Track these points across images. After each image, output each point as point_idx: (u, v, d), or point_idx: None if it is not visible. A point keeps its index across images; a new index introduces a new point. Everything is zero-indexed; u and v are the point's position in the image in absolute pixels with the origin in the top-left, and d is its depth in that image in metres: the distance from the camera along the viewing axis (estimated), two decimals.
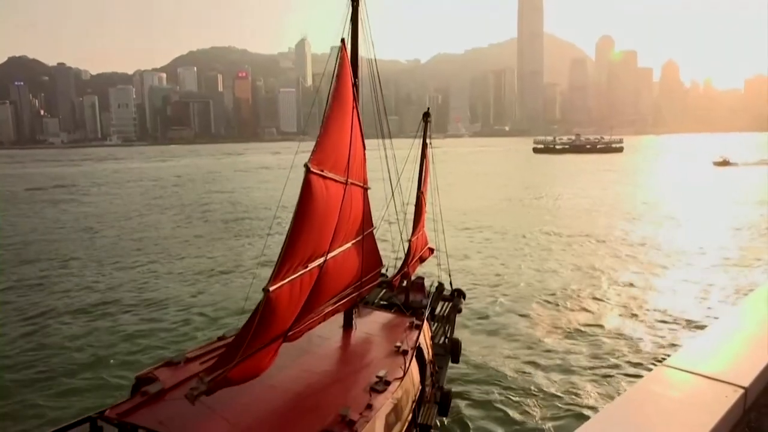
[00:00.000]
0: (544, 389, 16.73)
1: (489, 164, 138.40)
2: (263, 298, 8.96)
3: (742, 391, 3.04)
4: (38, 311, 24.81)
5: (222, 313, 24.07)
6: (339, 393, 9.93)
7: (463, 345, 16.21)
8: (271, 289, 9.05)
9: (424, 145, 16.93)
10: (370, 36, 11.77)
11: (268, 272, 8.73)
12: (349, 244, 11.65)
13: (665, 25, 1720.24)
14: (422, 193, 17.13)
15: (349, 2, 11.33)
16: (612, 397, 16.15)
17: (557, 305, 25.08)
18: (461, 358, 16.18)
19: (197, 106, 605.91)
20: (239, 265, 33.88)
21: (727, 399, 2.94)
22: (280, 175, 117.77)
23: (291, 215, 8.81)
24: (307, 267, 9.88)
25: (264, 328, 8.95)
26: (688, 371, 3.23)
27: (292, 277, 9.49)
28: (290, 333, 9.71)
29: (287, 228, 8.96)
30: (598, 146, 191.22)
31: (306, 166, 9.62)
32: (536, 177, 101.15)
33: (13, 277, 31.35)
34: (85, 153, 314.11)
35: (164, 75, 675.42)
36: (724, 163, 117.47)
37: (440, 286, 18.10)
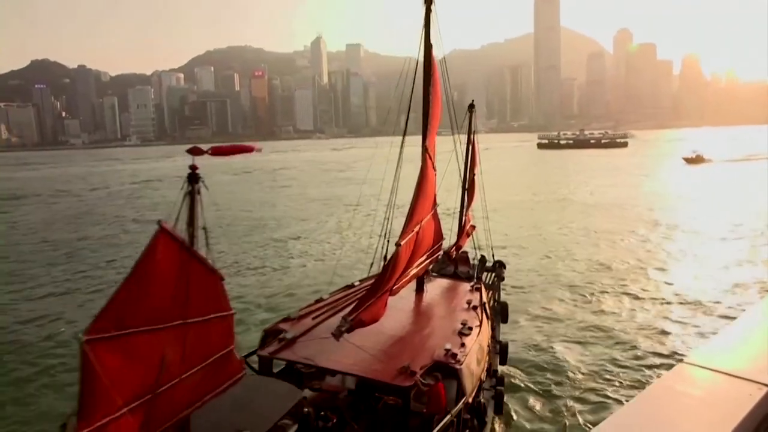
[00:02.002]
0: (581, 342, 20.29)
1: (495, 162, 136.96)
2: (395, 251, 11.41)
3: (766, 389, 2.96)
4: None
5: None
6: (435, 336, 12.18)
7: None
8: (402, 243, 11.51)
9: (470, 134, 19.46)
10: (440, 37, 13.71)
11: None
12: (428, 216, 13.85)
13: (685, 17, 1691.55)
14: (473, 174, 19.77)
15: (423, 4, 13.23)
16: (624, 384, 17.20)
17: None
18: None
19: (214, 106, 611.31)
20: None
21: (750, 397, 2.86)
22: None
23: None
24: (413, 231, 12.41)
25: (389, 278, 11.30)
26: (710, 368, 3.16)
27: (408, 237, 11.92)
28: (394, 287, 11.81)
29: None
30: (602, 141, 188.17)
31: (425, 147, 12.89)
32: (518, 178, 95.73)
33: None
34: (117, 153, 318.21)
35: (182, 75, 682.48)
36: (697, 159, 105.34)
37: (483, 258, 19.89)
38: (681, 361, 3.29)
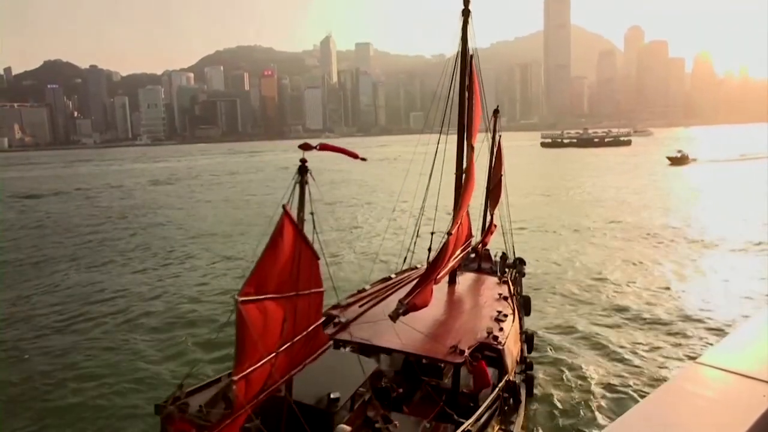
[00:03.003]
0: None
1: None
2: (446, 240, 12.61)
3: None
4: None
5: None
6: (474, 321, 13.31)
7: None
8: (452, 231, 12.77)
9: (494, 136, 20.42)
10: (475, 45, 15.03)
11: None
12: (464, 214, 14.76)
13: (697, 14, 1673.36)
14: (500, 176, 20.80)
15: (461, 17, 14.56)
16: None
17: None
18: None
19: (224, 105, 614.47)
20: None
21: (765, 398, 2.78)
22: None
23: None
24: (458, 223, 13.31)
25: (439, 264, 12.41)
26: (722, 369, 3.07)
27: (456, 227, 13.08)
28: (438, 276, 12.67)
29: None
30: (606, 140, 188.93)
31: (471, 145, 14.27)
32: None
33: None
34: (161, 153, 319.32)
35: (192, 75, 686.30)
36: (682, 159, 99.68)
37: (504, 255, 20.89)
38: (693, 361, 3.21)
